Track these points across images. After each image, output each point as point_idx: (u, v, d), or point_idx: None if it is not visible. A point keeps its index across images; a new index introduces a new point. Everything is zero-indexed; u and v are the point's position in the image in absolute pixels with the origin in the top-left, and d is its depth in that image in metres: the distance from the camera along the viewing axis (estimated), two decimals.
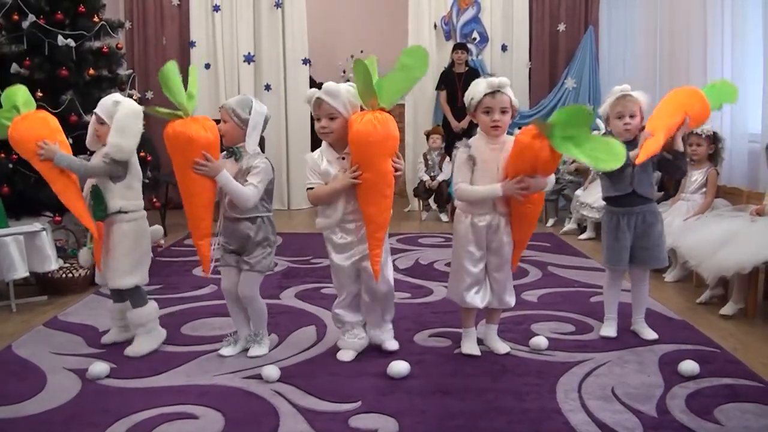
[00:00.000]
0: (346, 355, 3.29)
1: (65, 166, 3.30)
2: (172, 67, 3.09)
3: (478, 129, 3.24)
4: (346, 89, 3.12)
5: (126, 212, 3.36)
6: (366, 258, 3.18)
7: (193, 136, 3.05)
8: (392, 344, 3.38)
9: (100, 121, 3.34)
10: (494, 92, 3.11)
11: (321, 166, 3.17)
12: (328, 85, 3.11)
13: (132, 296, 3.44)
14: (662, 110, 3.41)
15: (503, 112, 3.13)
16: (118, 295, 3.51)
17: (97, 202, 3.34)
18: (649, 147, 3.23)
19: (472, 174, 3.18)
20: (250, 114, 3.18)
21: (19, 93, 3.39)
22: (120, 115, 3.27)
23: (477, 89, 3.15)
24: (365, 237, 3.16)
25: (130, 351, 3.37)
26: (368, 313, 3.35)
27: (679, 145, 3.38)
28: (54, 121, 3.45)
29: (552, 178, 3.17)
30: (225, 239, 3.30)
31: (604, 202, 3.63)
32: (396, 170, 3.10)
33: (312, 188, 3.19)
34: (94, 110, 3.37)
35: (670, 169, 3.49)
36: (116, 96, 3.38)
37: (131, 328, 3.47)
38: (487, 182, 3.14)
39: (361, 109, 3.11)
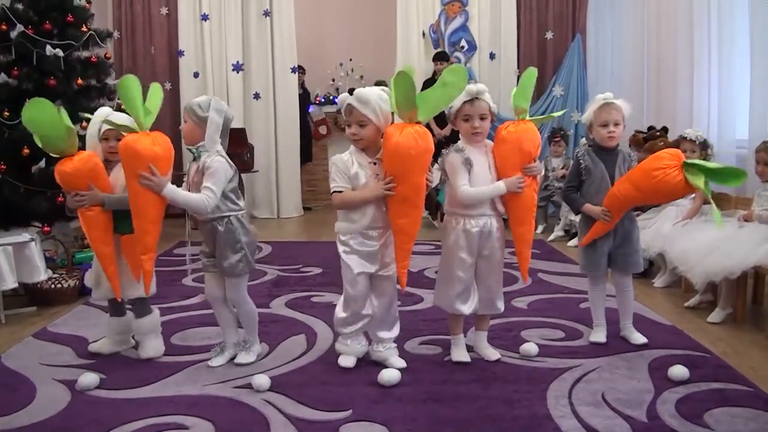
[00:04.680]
0: (347, 361, 3.25)
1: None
2: (132, 81, 3.08)
3: (461, 135, 3.27)
4: (377, 96, 3.09)
5: None
6: (382, 266, 3.19)
7: (140, 149, 3.01)
8: (398, 362, 3.27)
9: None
10: (472, 99, 3.14)
11: (351, 170, 3.13)
12: (360, 91, 3.10)
13: (142, 306, 3.47)
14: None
15: (482, 118, 3.16)
16: (118, 308, 3.52)
17: (126, 215, 3.24)
18: (599, 228, 3.45)
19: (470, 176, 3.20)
20: (207, 112, 3.15)
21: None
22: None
23: (456, 97, 3.17)
24: (386, 245, 3.16)
25: (149, 353, 3.42)
26: (374, 327, 3.29)
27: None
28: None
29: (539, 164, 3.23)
30: (203, 243, 3.30)
31: None
32: (427, 185, 3.11)
33: (339, 191, 3.13)
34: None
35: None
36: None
37: (138, 336, 3.49)
38: (480, 185, 3.17)
39: (393, 118, 3.11)
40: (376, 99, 3.08)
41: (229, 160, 3.21)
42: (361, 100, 3.07)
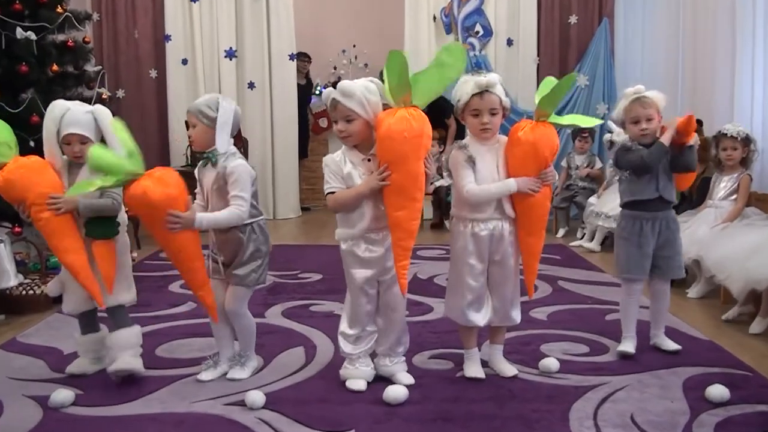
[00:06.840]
0: (358, 384, 3.19)
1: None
2: (98, 151, 2.98)
3: (468, 131, 3.26)
4: (362, 87, 3.07)
5: (119, 223, 3.34)
6: (388, 272, 3.16)
7: (155, 200, 2.96)
8: (406, 377, 3.27)
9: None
10: (482, 92, 3.11)
11: (344, 170, 3.12)
12: (343, 84, 3.08)
13: (121, 316, 3.39)
14: None
15: (493, 113, 3.13)
16: (92, 324, 3.42)
17: (111, 219, 3.25)
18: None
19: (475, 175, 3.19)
20: (217, 112, 3.15)
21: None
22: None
23: (464, 90, 3.14)
24: (390, 249, 3.13)
25: (119, 365, 3.24)
26: (381, 339, 3.28)
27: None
28: None
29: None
30: (216, 252, 3.27)
31: (620, 209, 3.65)
32: (426, 174, 3.07)
33: (333, 193, 3.12)
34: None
35: (682, 162, 3.51)
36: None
37: (115, 351, 3.32)
38: (487, 183, 3.17)
39: (386, 106, 3.08)
40: (362, 90, 3.06)
41: (246, 161, 3.23)
42: (345, 93, 3.05)
